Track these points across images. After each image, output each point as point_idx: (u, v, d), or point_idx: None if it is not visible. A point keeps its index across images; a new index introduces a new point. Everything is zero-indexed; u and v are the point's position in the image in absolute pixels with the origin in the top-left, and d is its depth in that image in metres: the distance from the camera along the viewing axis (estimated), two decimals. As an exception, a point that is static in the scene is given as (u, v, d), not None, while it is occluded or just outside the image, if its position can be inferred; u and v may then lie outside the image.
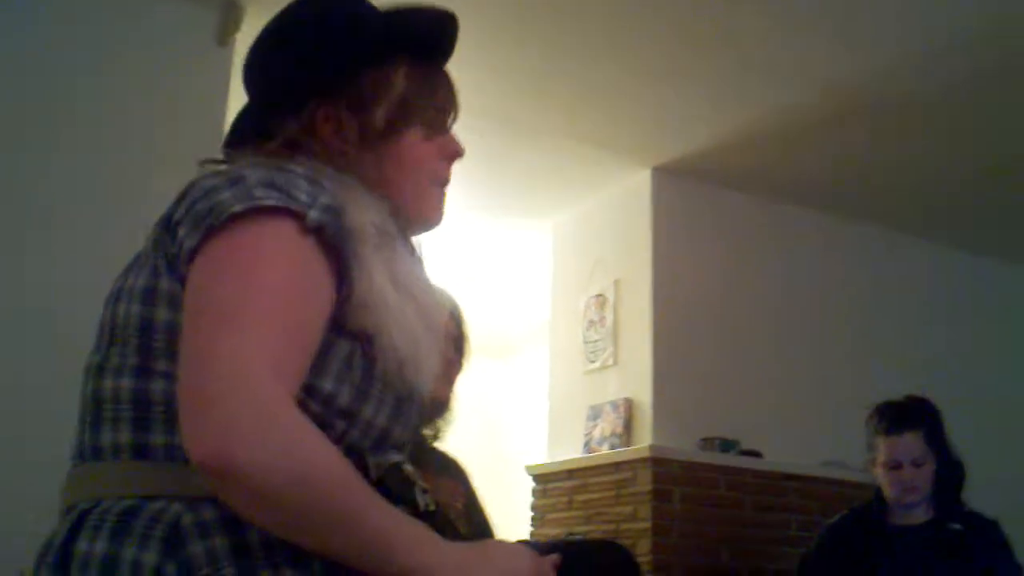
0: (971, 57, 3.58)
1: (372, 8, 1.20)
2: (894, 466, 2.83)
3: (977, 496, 2.94)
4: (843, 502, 3.80)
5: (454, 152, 1.22)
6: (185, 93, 3.29)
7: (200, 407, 0.86)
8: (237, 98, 3.31)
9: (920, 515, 2.85)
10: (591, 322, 4.74)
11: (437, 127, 1.21)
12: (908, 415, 2.87)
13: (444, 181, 1.22)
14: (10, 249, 2.94)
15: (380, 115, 1.15)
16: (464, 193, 4.79)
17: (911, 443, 2.82)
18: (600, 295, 4.71)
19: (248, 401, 0.86)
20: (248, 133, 1.17)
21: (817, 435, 4.50)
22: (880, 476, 2.88)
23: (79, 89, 3.14)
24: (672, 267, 4.50)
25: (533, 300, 5.95)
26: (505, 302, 6.46)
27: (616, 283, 4.64)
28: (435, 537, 0.96)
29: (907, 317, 5.08)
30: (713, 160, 4.48)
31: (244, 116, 1.21)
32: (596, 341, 4.68)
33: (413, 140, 1.17)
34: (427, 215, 1.20)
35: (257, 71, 1.21)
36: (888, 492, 2.86)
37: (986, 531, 2.82)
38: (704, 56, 3.66)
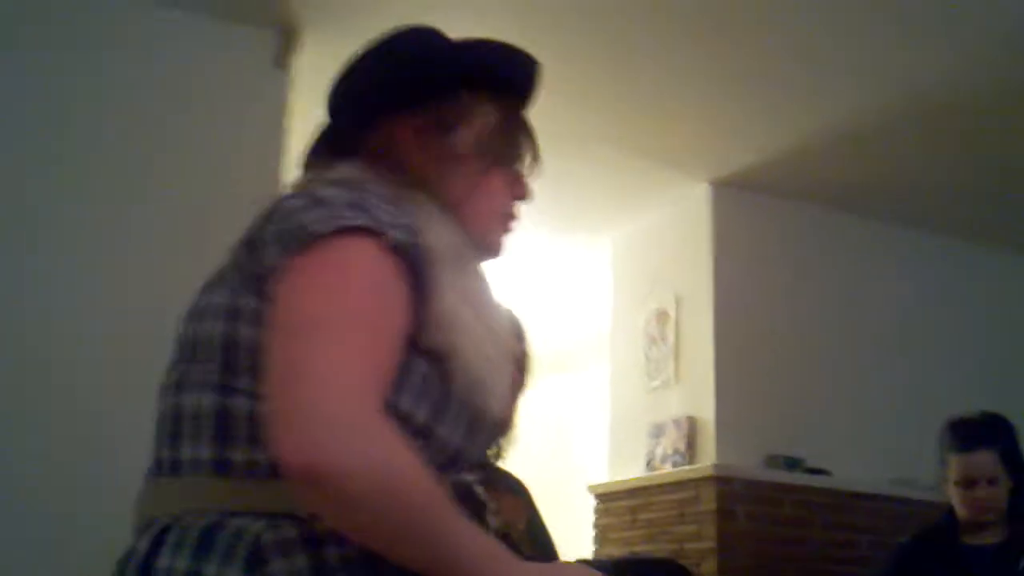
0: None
1: (463, 41, 1.25)
2: (967, 484, 2.75)
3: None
4: (913, 521, 3.72)
5: (521, 193, 1.26)
6: (243, 115, 3.33)
7: (295, 417, 0.88)
8: (295, 120, 3.36)
9: (994, 535, 2.78)
10: (652, 339, 4.71)
11: (511, 164, 1.25)
12: (981, 431, 2.80)
13: (511, 216, 1.26)
14: (49, 279, 2.97)
15: (465, 139, 1.19)
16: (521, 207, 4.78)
17: (985, 460, 2.75)
18: (662, 311, 4.68)
19: (342, 411, 0.88)
20: (328, 149, 1.21)
21: (886, 452, 4.41)
22: (952, 494, 2.81)
23: (138, 115, 3.20)
24: (734, 282, 4.45)
25: (594, 315, 5.92)
26: (566, 317, 6.44)
27: (677, 299, 4.60)
28: (510, 555, 0.97)
29: (979, 330, 4.94)
30: (773, 172, 4.41)
31: (326, 133, 1.24)
32: (657, 359, 4.64)
33: (489, 170, 1.21)
34: (490, 244, 1.23)
35: (349, 85, 1.23)
36: (961, 511, 2.79)
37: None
38: (762, 62, 3.57)
